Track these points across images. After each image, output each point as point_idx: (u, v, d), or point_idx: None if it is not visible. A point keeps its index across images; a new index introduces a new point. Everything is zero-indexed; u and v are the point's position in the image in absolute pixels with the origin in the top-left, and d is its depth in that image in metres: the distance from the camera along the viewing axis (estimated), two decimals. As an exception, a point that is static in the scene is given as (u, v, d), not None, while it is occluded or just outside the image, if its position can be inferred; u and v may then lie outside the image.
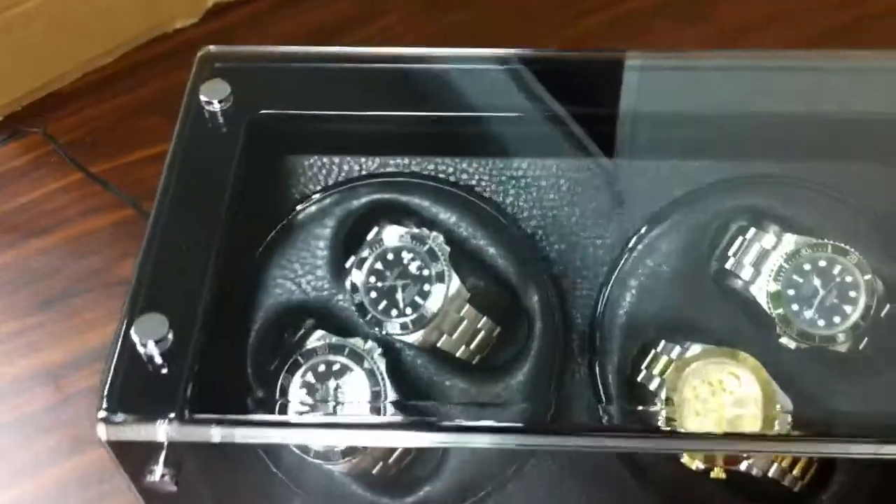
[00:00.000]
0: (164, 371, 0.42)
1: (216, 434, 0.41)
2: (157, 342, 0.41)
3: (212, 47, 0.50)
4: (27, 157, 0.74)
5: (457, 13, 0.81)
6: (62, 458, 0.61)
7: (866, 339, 0.46)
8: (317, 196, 0.50)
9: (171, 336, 0.42)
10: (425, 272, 0.47)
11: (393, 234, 0.47)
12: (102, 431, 0.41)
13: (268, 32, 0.83)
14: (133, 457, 0.43)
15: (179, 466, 0.42)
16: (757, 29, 0.75)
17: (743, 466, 0.44)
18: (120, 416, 0.41)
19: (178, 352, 0.42)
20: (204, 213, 0.46)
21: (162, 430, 0.41)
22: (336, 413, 0.45)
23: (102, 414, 0.41)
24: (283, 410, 0.45)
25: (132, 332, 0.41)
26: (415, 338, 0.47)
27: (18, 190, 0.72)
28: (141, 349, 0.41)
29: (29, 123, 0.74)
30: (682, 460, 0.45)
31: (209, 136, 0.48)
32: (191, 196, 0.47)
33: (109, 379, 0.41)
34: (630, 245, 0.49)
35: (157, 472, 0.42)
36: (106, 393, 0.41)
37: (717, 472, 0.44)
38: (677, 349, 0.46)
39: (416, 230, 0.47)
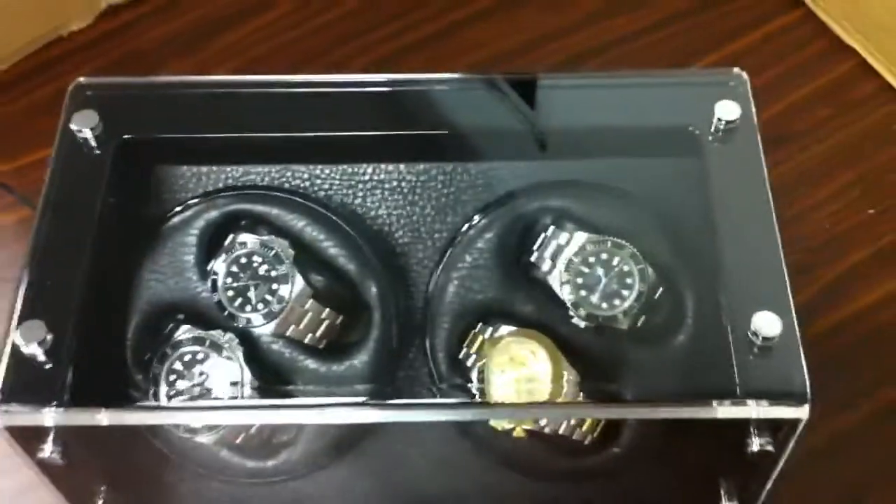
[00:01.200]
0: (48, 367, 0.49)
1: (92, 418, 0.49)
2: (38, 343, 0.49)
3: (82, 79, 0.57)
4: None
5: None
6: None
7: (642, 317, 0.55)
8: (180, 208, 0.57)
9: (49, 337, 0.49)
10: (272, 273, 0.54)
11: (245, 241, 0.55)
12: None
13: (157, 30, 0.89)
14: (27, 438, 0.50)
15: (65, 444, 0.50)
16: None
17: (538, 427, 0.53)
18: (13, 407, 0.49)
19: (57, 350, 0.50)
20: (78, 227, 0.53)
21: (49, 416, 0.49)
22: (199, 397, 0.53)
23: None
24: (156, 397, 0.53)
25: (16, 337, 0.49)
26: (267, 329, 0.55)
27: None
28: (25, 350, 0.49)
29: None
30: (491, 423, 0.54)
31: (82, 160, 0.55)
32: (67, 212, 0.54)
33: (2, 376, 0.49)
34: (455, 241, 0.57)
35: (48, 450, 0.50)
36: (0, 387, 0.48)
37: (519, 432, 0.53)
38: (489, 330, 0.55)
39: (265, 237, 0.55)
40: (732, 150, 0.55)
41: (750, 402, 0.47)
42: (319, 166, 0.59)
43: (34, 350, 0.49)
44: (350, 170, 0.59)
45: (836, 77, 0.83)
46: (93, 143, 0.55)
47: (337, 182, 0.59)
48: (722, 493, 0.56)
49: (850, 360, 0.70)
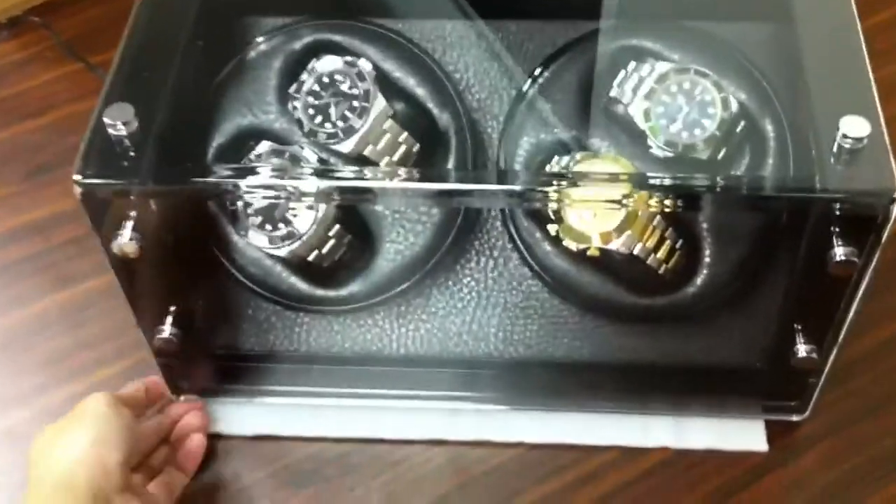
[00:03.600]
0: (130, 149, 0.50)
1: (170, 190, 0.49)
2: (124, 124, 0.49)
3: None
4: (25, 52, 0.82)
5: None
6: (46, 293, 0.69)
7: (723, 149, 0.54)
8: (264, 37, 0.58)
9: (136, 122, 0.50)
10: (354, 90, 0.55)
11: (328, 63, 0.56)
12: (77, 191, 0.49)
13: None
14: (104, 220, 0.51)
15: (143, 234, 0.50)
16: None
17: (613, 246, 0.52)
18: (92, 179, 0.49)
19: (141, 135, 0.50)
20: (170, 41, 0.54)
21: (127, 192, 0.49)
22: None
23: (77, 177, 0.49)
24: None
25: (104, 117, 0.50)
26: (345, 146, 0.55)
27: (16, 79, 0.81)
28: (111, 131, 0.50)
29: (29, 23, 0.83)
30: (564, 243, 0.53)
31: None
32: (160, 25, 0.55)
33: (84, 150, 0.49)
34: (531, 79, 0.57)
35: (125, 236, 0.50)
36: (81, 160, 0.49)
37: (593, 251, 0.53)
38: (566, 159, 0.55)
39: (347, 58, 0.56)
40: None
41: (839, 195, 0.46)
42: (402, 21, 0.60)
43: (120, 130, 0.49)
44: (430, 25, 0.59)
45: None
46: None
47: (417, 35, 0.59)
48: (798, 338, 0.54)
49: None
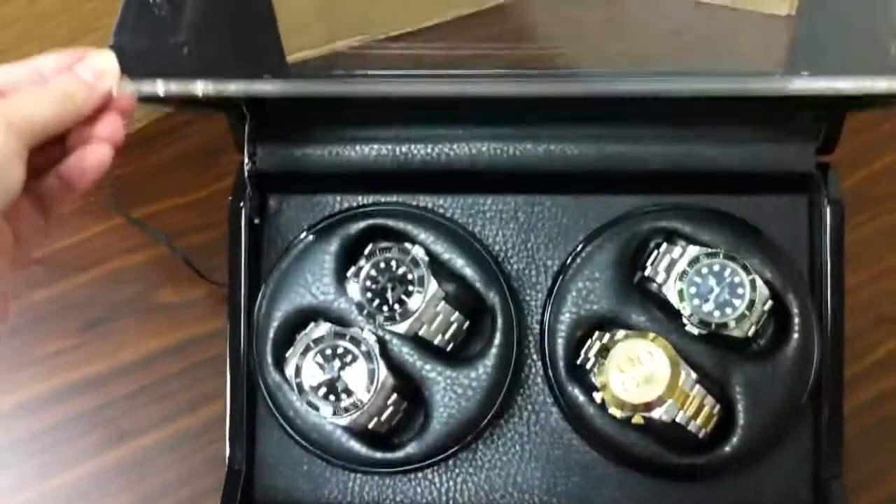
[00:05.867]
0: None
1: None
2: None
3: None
4: (72, 205, 0.86)
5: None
6: (104, 450, 0.72)
7: (753, 328, 0.59)
8: (321, 223, 0.62)
9: None
10: (409, 276, 0.59)
11: (386, 246, 0.60)
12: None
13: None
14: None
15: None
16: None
17: (656, 414, 0.57)
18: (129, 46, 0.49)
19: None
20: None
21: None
22: (336, 392, 0.57)
23: (112, 41, 0.49)
24: (300, 389, 0.58)
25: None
26: (401, 328, 0.59)
27: (63, 234, 0.85)
28: None
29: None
30: (611, 410, 0.57)
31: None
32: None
33: (119, 20, 0.50)
34: (570, 258, 0.62)
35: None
36: (116, 29, 0.50)
37: (637, 419, 0.57)
38: (607, 335, 0.59)
39: (402, 245, 0.60)
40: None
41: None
42: (443, 196, 0.64)
43: None
44: (470, 200, 0.64)
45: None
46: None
47: (458, 210, 0.64)
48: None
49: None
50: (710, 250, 0.59)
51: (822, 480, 0.60)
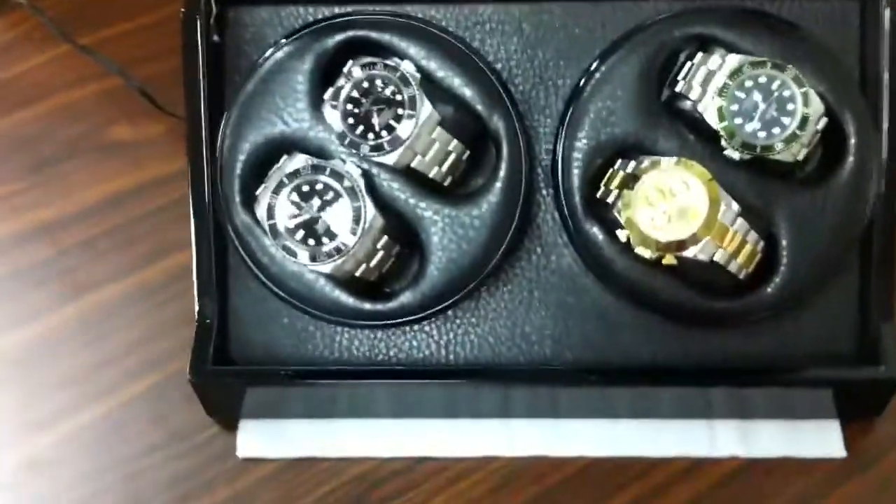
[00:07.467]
0: None
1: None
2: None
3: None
4: (12, 34, 0.77)
5: None
6: (60, 305, 0.65)
7: (803, 148, 0.50)
8: (292, 37, 0.53)
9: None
10: (398, 97, 0.50)
11: (367, 66, 0.51)
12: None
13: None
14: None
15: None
16: None
17: (690, 253, 0.49)
18: None
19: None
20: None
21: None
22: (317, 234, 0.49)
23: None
24: (273, 233, 0.50)
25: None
26: (391, 159, 0.51)
27: (4, 65, 0.75)
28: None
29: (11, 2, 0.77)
30: (637, 250, 0.50)
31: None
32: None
33: None
34: (585, 77, 0.53)
35: None
36: None
37: (669, 259, 0.49)
38: (632, 164, 0.51)
39: (388, 60, 0.51)
40: None
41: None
42: (434, 5, 0.55)
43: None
44: (466, 10, 0.55)
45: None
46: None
47: (454, 23, 0.55)
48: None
49: None
50: (754, 59, 0.50)
51: (872, 324, 0.53)
